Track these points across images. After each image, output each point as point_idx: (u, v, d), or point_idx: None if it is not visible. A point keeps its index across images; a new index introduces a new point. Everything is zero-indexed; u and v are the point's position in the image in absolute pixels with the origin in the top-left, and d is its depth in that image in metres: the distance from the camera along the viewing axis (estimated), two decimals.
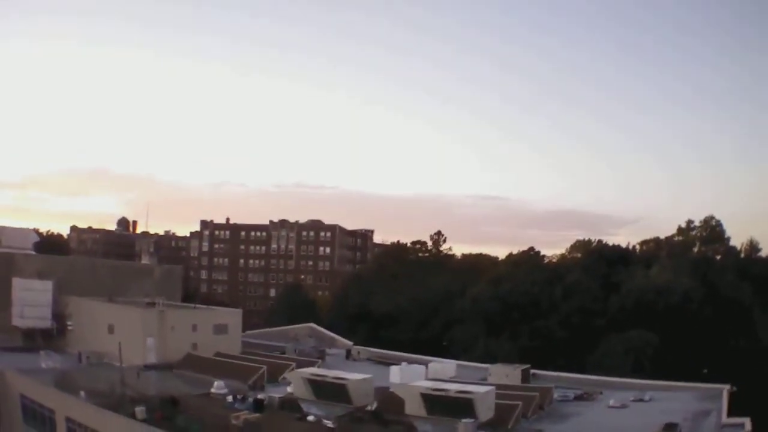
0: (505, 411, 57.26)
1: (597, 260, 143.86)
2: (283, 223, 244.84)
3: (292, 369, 72.92)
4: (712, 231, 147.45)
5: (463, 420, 52.30)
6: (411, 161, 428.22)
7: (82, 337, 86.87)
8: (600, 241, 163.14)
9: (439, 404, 56.88)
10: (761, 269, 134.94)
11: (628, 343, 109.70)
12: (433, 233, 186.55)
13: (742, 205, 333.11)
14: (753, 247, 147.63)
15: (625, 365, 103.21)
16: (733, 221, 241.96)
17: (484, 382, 71.26)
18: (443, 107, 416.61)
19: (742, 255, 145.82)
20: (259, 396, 62.73)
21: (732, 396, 67.30)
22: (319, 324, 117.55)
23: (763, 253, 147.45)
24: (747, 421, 55.00)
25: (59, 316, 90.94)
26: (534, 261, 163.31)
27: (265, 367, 74.11)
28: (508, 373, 77.64)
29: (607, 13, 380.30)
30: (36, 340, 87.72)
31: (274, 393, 64.65)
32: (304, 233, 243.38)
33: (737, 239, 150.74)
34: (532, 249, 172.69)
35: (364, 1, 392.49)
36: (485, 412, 55.40)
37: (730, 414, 59.96)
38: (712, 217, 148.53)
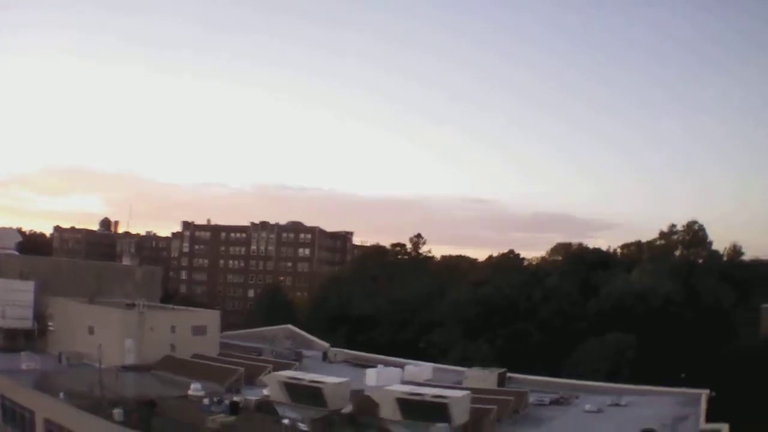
0: (480, 415, 57.00)
1: (577, 263, 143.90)
2: (264, 224, 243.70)
3: (269, 371, 72.14)
4: (695, 235, 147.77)
5: (437, 424, 51.93)
6: (393, 163, 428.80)
7: (62, 337, 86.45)
8: (581, 245, 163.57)
9: (414, 408, 56.35)
10: (744, 273, 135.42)
11: (605, 347, 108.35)
12: (412, 235, 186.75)
13: (725, 210, 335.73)
14: (736, 251, 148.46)
15: (603, 369, 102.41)
16: (716, 226, 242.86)
17: (459, 386, 71.06)
18: (425, 111, 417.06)
19: (725, 259, 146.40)
20: (235, 399, 62.38)
21: (710, 401, 67.11)
22: (297, 325, 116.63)
23: (745, 258, 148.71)
24: (725, 427, 54.68)
25: (41, 317, 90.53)
26: (514, 264, 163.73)
27: (242, 369, 73.89)
28: (483, 377, 77.29)
29: (587, 17, 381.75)
30: (17, 340, 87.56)
31: (251, 396, 64.39)
32: (284, 235, 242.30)
33: (720, 244, 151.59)
34: (512, 252, 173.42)
35: (347, 10, 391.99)
36: (460, 416, 55.04)
37: (708, 419, 59.76)
38: (695, 222, 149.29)
